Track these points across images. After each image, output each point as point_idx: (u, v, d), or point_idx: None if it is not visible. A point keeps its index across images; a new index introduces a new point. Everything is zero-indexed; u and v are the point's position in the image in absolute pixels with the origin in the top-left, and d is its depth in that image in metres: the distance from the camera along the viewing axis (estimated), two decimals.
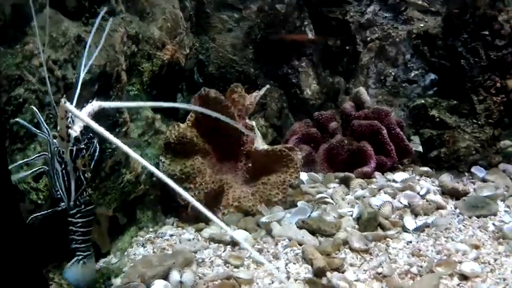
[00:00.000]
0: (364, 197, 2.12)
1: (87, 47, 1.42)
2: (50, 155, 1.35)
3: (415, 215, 2.00)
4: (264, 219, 1.85)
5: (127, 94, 1.95)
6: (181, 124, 2.08)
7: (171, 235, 1.90)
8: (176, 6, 2.46)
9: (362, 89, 2.77)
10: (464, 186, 2.34)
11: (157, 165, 2.01)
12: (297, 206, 1.98)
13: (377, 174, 2.40)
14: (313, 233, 1.77)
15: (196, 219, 1.97)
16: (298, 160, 2.04)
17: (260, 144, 2.14)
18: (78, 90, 1.38)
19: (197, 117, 2.10)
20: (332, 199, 2.08)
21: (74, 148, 1.30)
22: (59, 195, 1.36)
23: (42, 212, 1.37)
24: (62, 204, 1.38)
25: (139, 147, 2.02)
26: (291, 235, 1.74)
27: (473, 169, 2.50)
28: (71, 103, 1.29)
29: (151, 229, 1.99)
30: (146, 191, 2.00)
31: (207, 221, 1.96)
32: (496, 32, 2.61)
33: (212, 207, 1.98)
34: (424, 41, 2.83)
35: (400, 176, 2.38)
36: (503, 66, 2.61)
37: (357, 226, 1.86)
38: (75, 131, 1.28)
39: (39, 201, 1.41)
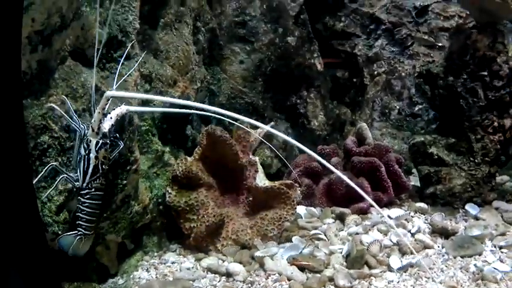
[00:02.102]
0: (357, 234, 2.24)
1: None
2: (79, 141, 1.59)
3: (403, 253, 2.11)
4: (258, 254, 1.99)
5: (139, 129, 2.13)
6: (188, 158, 2.24)
7: (173, 262, 2.06)
8: (189, 42, 2.63)
9: (364, 125, 2.91)
10: (456, 224, 2.46)
11: (164, 196, 2.19)
12: (292, 241, 2.12)
13: (373, 210, 2.52)
14: (302, 269, 1.91)
15: (197, 249, 2.14)
16: (295, 197, 2.19)
17: (262, 179, 2.28)
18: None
19: (204, 151, 2.26)
20: (325, 235, 2.21)
21: (100, 141, 1.56)
22: (77, 176, 1.59)
23: (70, 177, 1.59)
24: (77, 183, 1.59)
25: (149, 179, 2.19)
26: (281, 270, 1.89)
27: (467, 206, 2.61)
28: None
29: (156, 254, 2.15)
30: (153, 218, 2.17)
31: (206, 251, 2.13)
32: (495, 72, 2.71)
33: (213, 238, 2.14)
34: (426, 79, 2.93)
35: (395, 212, 2.50)
36: (500, 106, 2.70)
37: (345, 263, 1.99)
38: (105, 127, 1.56)
39: (59, 232, 1.61)
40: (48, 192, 1.56)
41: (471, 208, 2.59)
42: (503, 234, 2.33)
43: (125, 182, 1.87)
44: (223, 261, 2.04)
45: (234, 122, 1.91)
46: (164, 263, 2.06)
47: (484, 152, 2.71)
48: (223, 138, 2.19)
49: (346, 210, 2.45)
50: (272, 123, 2.61)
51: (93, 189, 1.61)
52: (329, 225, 2.33)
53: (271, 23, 3.29)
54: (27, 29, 1.43)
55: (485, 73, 2.72)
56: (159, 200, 2.19)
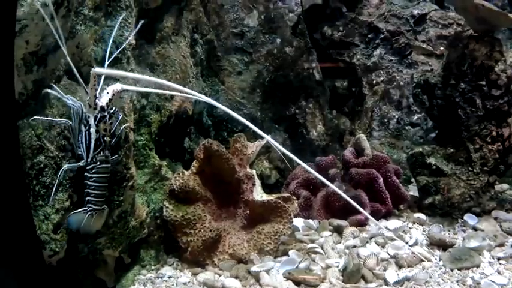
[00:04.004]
0: (354, 247, 2.24)
1: None
2: (76, 118, 1.63)
3: (399, 266, 2.11)
4: (254, 268, 1.99)
5: (136, 144, 2.14)
6: (185, 172, 2.25)
7: (170, 276, 2.06)
8: (186, 55, 2.64)
9: (362, 136, 2.90)
10: (454, 235, 2.46)
11: (161, 210, 2.19)
12: (289, 255, 2.13)
13: (371, 222, 2.52)
14: (298, 283, 1.91)
15: (194, 263, 2.14)
16: (292, 210, 2.19)
17: (259, 193, 2.29)
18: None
19: (201, 165, 2.27)
20: (322, 248, 2.21)
21: (99, 115, 1.60)
22: (80, 152, 1.62)
23: (71, 165, 1.62)
24: (83, 161, 1.62)
25: (146, 193, 2.20)
26: (277, 285, 1.89)
27: (465, 217, 2.60)
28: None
29: (153, 267, 2.16)
30: (150, 232, 2.18)
31: (203, 266, 2.13)
32: (493, 82, 2.70)
33: (209, 252, 2.14)
34: (424, 90, 2.93)
35: (393, 224, 2.50)
36: (499, 115, 2.70)
37: (341, 277, 1.99)
38: (102, 102, 1.60)
39: (57, 249, 1.61)
40: (52, 194, 1.56)
41: (470, 218, 2.58)
42: (501, 245, 2.33)
43: (121, 198, 1.87)
44: (220, 275, 2.04)
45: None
46: (161, 277, 2.07)
47: (483, 161, 2.70)
48: (220, 152, 2.19)
49: (344, 223, 2.45)
50: (269, 136, 2.61)
51: (98, 163, 1.63)
52: (326, 238, 2.33)
53: (269, 33, 3.31)
54: (21, 51, 1.44)
55: (483, 82, 2.71)
56: (157, 214, 2.20)
